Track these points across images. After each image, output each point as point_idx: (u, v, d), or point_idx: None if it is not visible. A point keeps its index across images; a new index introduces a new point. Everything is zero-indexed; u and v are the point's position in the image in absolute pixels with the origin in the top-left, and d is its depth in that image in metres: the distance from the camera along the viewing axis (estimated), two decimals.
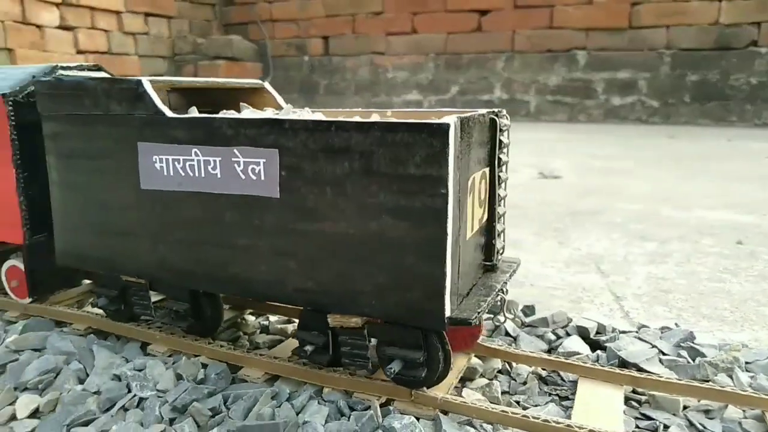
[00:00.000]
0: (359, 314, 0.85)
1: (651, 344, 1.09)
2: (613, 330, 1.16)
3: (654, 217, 2.18)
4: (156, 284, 1.02)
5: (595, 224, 2.08)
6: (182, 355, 1.03)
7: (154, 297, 1.07)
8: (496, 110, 0.93)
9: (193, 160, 0.89)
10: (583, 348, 1.09)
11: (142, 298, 1.04)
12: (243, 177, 0.86)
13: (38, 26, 4.86)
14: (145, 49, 5.91)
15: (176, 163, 0.91)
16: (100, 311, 1.12)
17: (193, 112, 0.98)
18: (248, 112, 0.97)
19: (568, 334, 1.14)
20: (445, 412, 0.87)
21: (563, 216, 2.21)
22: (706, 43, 5.60)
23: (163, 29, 6.15)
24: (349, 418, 0.85)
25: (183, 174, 0.91)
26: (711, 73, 5.63)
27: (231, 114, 0.90)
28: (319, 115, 1.06)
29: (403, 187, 0.77)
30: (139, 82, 0.92)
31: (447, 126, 0.73)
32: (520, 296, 1.40)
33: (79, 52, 5.19)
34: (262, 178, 0.85)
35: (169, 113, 0.90)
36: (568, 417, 0.88)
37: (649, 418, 0.90)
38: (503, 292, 0.94)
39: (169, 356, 1.04)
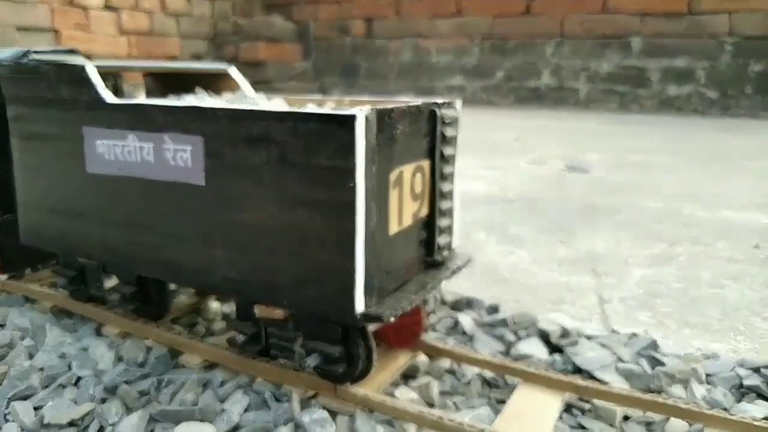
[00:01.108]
0: (279, 306, 0.84)
1: (612, 351, 1.04)
2: (578, 334, 1.10)
3: (673, 216, 2.07)
4: (107, 266, 1.04)
5: (606, 223, 1.99)
6: (132, 337, 1.05)
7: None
8: (440, 101, 0.90)
9: (129, 145, 0.90)
10: (541, 351, 1.05)
11: (96, 280, 1.06)
12: (173, 163, 0.86)
13: (83, 8, 5.01)
14: (187, 30, 6.00)
15: (116, 147, 0.92)
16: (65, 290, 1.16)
17: (141, 98, 0.98)
18: (192, 98, 0.97)
19: (528, 336, 1.10)
20: (372, 410, 0.86)
21: (575, 213, 2.12)
22: None
23: (205, 10, 6.22)
24: (270, 409, 0.85)
25: (122, 159, 0.92)
26: None
27: (162, 101, 0.90)
28: (276, 102, 1.05)
29: (315, 178, 0.75)
30: (83, 68, 0.93)
31: (353, 117, 0.70)
32: (500, 294, 1.36)
33: (123, 32, 5.33)
34: (189, 165, 0.85)
35: (109, 98, 0.91)
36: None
37: (583, 427, 0.86)
38: (437, 290, 0.91)
39: (122, 338, 1.06)
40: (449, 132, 0.91)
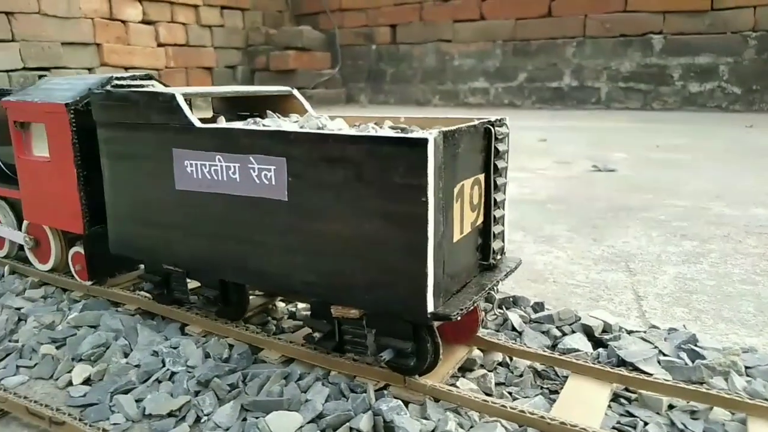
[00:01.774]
0: (355, 306, 0.94)
1: (653, 345, 1.12)
2: (620, 329, 1.19)
3: (702, 214, 2.14)
4: (191, 273, 1.16)
5: (636, 221, 2.07)
6: (214, 336, 1.16)
7: (193, 284, 1.21)
8: (494, 119, 0.99)
9: (217, 165, 1.01)
10: (586, 346, 1.14)
11: (181, 284, 1.18)
12: (257, 181, 0.97)
13: (123, 22, 5.22)
14: (221, 41, 6.20)
15: (203, 167, 1.03)
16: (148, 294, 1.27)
17: (221, 122, 1.09)
18: (268, 121, 1.08)
19: (573, 332, 1.19)
20: (438, 399, 0.95)
21: (606, 212, 2.20)
22: None
23: (237, 21, 6.43)
24: (347, 399, 0.95)
25: (209, 177, 1.03)
26: None
27: (246, 125, 1.01)
28: (338, 122, 1.15)
29: (389, 194, 0.85)
30: (173, 96, 1.04)
31: (425, 140, 0.80)
32: (541, 293, 1.45)
33: (160, 45, 5.53)
34: (273, 182, 0.95)
35: (197, 124, 1.02)
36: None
37: (632, 415, 0.94)
38: (494, 291, 1.00)
39: (204, 336, 1.17)
40: (501, 147, 1.01)
